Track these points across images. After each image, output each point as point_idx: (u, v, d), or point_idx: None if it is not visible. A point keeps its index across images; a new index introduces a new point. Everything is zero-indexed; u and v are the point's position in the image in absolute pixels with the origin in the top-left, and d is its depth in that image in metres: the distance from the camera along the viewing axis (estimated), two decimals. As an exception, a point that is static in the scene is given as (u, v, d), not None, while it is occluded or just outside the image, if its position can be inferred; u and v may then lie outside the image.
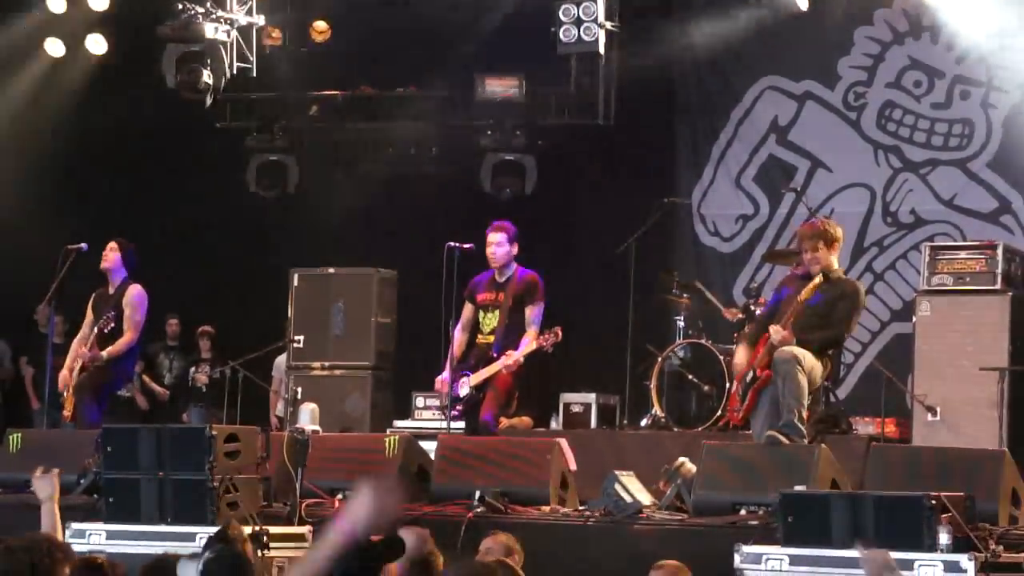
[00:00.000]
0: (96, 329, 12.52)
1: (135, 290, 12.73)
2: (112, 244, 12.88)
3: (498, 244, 11.91)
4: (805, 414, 10.61)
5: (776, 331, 10.63)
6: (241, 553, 6.09)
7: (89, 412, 12.37)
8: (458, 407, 11.90)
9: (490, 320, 11.95)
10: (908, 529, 8.29)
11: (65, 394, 12.67)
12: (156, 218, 17.21)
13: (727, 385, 13.17)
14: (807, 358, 10.61)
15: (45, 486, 7.67)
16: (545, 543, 9.50)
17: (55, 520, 7.59)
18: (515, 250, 11.99)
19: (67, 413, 12.61)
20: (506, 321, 11.85)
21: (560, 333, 11.66)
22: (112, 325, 12.50)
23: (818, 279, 10.75)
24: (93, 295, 12.93)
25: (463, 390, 11.84)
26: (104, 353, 12.52)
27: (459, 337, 12.04)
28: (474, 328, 12.06)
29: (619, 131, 16.47)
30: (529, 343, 11.71)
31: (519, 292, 11.86)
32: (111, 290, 12.81)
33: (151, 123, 17.16)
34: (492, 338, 11.90)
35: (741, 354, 11.09)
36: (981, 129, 15.64)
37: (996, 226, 15.26)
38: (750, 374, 10.87)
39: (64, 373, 12.68)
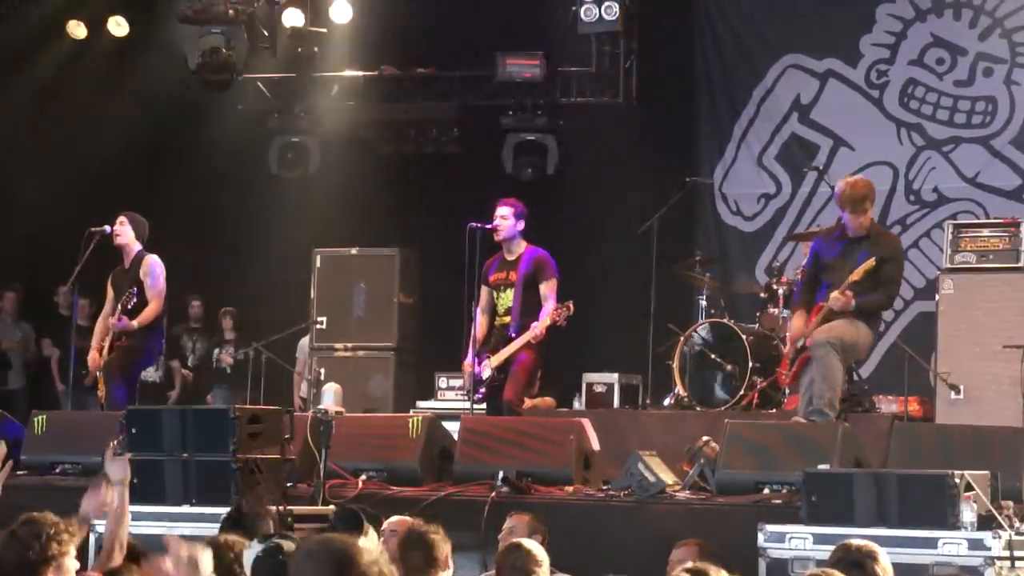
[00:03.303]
0: (119, 306, 12.49)
1: (151, 260, 12.68)
2: (121, 218, 12.79)
3: (503, 217, 11.94)
4: (837, 399, 10.71)
5: (836, 298, 10.78)
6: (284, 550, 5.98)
7: (116, 392, 12.36)
8: (481, 390, 11.90)
9: (504, 300, 11.96)
10: (932, 507, 8.27)
11: (97, 375, 12.65)
12: (178, 200, 17.24)
13: (749, 364, 13.19)
14: (848, 335, 10.71)
15: (118, 469, 7.58)
16: (568, 523, 9.51)
17: (124, 503, 7.48)
18: (520, 226, 11.98)
19: (101, 394, 12.61)
20: (520, 301, 11.84)
21: (572, 307, 11.66)
22: (135, 300, 12.45)
23: (873, 261, 10.84)
24: (111, 274, 12.92)
25: (485, 372, 11.84)
26: (135, 322, 12.46)
27: (480, 320, 12.04)
28: (493, 309, 12.07)
29: (640, 110, 16.46)
30: (545, 317, 11.70)
31: (530, 271, 11.86)
32: (127, 264, 12.77)
33: (173, 105, 17.18)
34: (508, 319, 11.90)
35: (797, 320, 11.26)
36: (1004, 106, 15.60)
37: (1019, 203, 15.21)
38: (801, 340, 10.98)
39: (93, 355, 12.64)
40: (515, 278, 11.89)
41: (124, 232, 12.72)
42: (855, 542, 6.59)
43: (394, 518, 8.77)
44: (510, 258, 11.99)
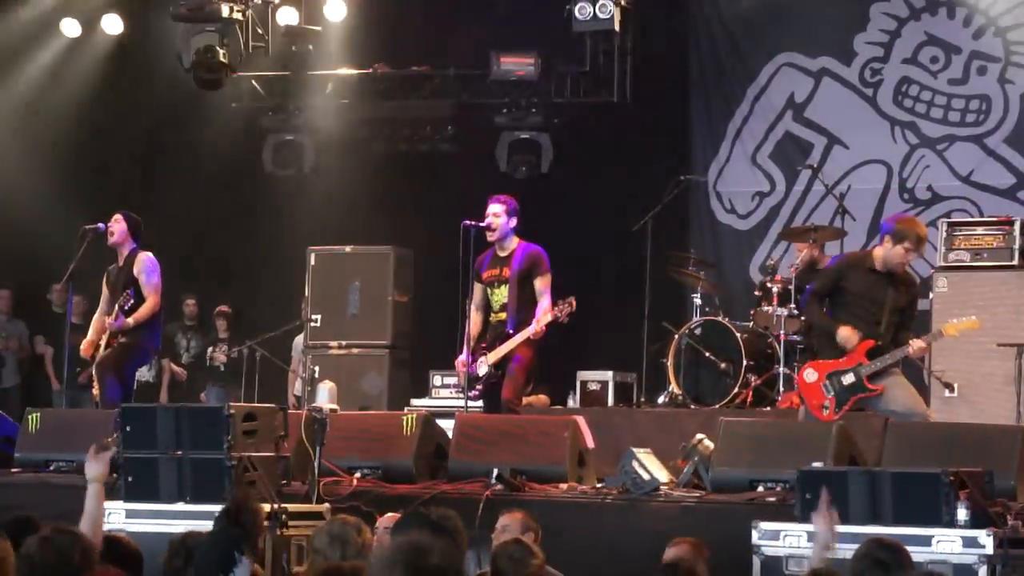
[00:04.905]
0: (117, 307, 12.48)
1: (145, 257, 12.67)
2: (116, 216, 12.78)
3: (495, 215, 11.89)
4: None
5: (922, 348, 10.61)
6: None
7: (111, 390, 12.34)
8: (478, 387, 11.89)
9: (498, 296, 11.93)
10: (926, 505, 8.28)
11: (92, 373, 12.63)
12: (172, 198, 17.23)
13: (744, 362, 13.20)
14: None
15: (94, 467, 7.61)
16: (562, 521, 9.51)
17: (99, 502, 7.54)
18: (512, 223, 11.91)
19: (96, 391, 12.60)
20: (515, 297, 11.80)
21: (574, 303, 11.63)
22: (131, 301, 12.45)
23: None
24: (106, 272, 12.91)
25: (482, 369, 11.82)
26: (131, 320, 12.45)
27: (474, 317, 12.02)
28: (487, 306, 12.05)
29: (635, 109, 16.45)
30: (544, 313, 11.67)
31: (524, 268, 11.82)
32: (121, 263, 12.77)
33: (167, 103, 17.18)
34: (504, 315, 11.87)
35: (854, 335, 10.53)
36: (998, 105, 15.61)
37: (1013, 202, 15.24)
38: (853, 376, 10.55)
39: (86, 343, 12.63)
40: (508, 274, 11.85)
41: (119, 230, 12.71)
42: (884, 539, 6.66)
43: (388, 515, 8.78)
44: (502, 254, 11.96)
